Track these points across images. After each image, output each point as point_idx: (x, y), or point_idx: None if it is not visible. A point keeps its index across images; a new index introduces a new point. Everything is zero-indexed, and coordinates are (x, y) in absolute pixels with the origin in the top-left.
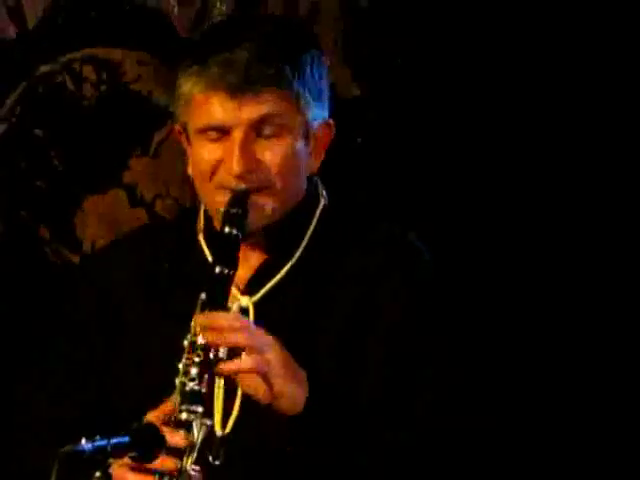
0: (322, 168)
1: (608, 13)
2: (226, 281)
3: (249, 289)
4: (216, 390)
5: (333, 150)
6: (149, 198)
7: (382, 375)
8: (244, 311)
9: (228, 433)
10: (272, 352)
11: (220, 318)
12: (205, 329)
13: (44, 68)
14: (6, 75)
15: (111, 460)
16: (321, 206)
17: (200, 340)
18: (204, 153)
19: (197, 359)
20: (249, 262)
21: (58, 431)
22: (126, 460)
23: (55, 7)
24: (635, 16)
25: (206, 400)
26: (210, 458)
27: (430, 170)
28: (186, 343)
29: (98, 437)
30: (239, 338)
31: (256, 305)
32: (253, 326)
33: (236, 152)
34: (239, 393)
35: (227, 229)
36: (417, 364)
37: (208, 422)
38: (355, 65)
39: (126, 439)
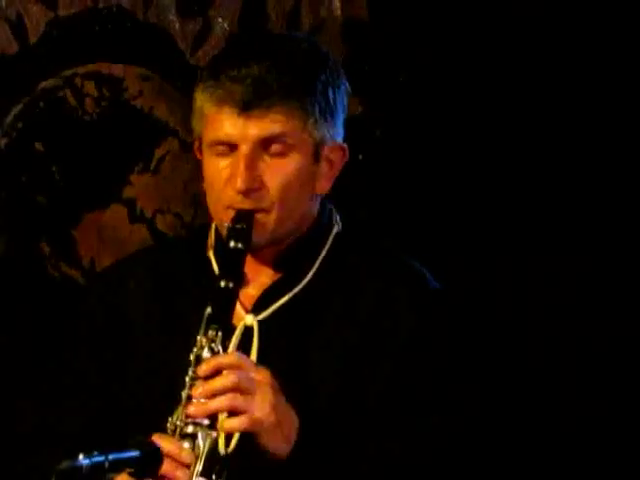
0: None
1: (606, 15)
2: (231, 295)
3: (256, 308)
4: None
5: None
6: (149, 214)
7: (385, 401)
8: (249, 329)
9: (231, 452)
10: (265, 412)
11: (216, 382)
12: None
13: (45, 83)
14: (7, 90)
15: (110, 476)
16: (334, 232)
17: (205, 353)
18: (213, 167)
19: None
20: (258, 283)
21: (61, 444)
22: (125, 476)
23: (57, 22)
24: (635, 16)
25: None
26: (213, 477)
27: (434, 186)
28: (192, 357)
29: (96, 452)
30: (233, 401)
31: (261, 324)
32: (253, 368)
33: (241, 168)
34: None
35: (232, 243)
36: (422, 390)
37: (214, 434)
38: (357, 82)
39: (124, 455)
